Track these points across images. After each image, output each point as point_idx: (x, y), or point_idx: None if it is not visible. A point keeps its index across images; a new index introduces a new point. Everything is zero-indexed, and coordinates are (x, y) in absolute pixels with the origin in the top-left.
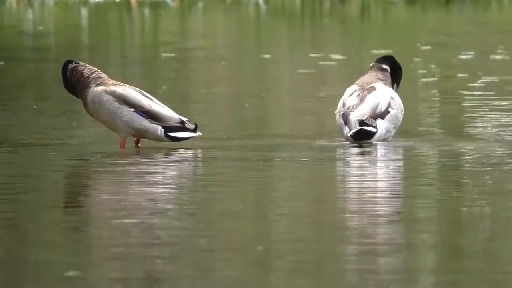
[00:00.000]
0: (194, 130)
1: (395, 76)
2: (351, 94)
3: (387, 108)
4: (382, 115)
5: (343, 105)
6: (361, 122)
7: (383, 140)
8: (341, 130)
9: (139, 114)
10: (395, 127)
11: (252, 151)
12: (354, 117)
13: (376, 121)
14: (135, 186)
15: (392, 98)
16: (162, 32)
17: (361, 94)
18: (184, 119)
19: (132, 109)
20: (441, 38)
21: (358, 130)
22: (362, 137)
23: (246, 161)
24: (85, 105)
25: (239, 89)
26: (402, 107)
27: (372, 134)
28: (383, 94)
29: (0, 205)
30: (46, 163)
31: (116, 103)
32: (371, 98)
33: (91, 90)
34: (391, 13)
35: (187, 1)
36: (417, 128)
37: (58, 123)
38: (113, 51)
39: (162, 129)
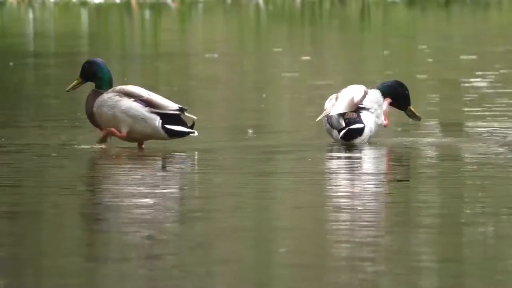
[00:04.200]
0: (191, 127)
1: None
2: (329, 100)
3: (363, 96)
4: (361, 102)
5: (324, 110)
6: (345, 119)
7: (378, 123)
8: (330, 134)
9: (138, 103)
10: (379, 104)
11: (252, 152)
12: (334, 113)
13: (358, 114)
14: (135, 189)
15: (365, 89)
16: (163, 33)
17: (337, 96)
18: (184, 107)
19: (132, 99)
20: (441, 39)
21: (346, 131)
22: (353, 135)
23: (246, 162)
24: (91, 116)
25: (239, 90)
26: (380, 96)
27: (361, 130)
28: (356, 87)
29: (0, 205)
30: (47, 163)
31: (117, 96)
32: (344, 93)
33: (95, 103)
34: (391, 14)
35: (187, 2)
36: (417, 129)
37: (60, 123)
38: (113, 52)
39: (160, 121)
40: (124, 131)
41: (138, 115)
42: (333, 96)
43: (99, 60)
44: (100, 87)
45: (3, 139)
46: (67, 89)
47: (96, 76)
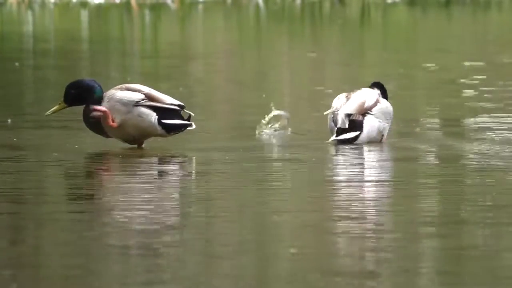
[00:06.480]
0: (188, 119)
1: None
2: (338, 98)
3: (375, 103)
4: (371, 108)
5: (332, 108)
6: (349, 120)
7: (380, 133)
8: (332, 132)
9: (136, 93)
10: (387, 120)
11: (253, 153)
12: (341, 112)
13: (364, 117)
14: (134, 193)
15: (379, 95)
16: (163, 33)
17: (348, 95)
18: (182, 104)
19: (131, 91)
20: (441, 39)
21: (340, 139)
22: (347, 142)
23: (247, 164)
24: (90, 124)
25: (239, 90)
26: (391, 107)
27: (356, 138)
28: (370, 92)
29: (1, 205)
30: (47, 163)
31: (118, 90)
32: (357, 95)
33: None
34: (391, 14)
35: (187, 2)
36: (417, 129)
37: (61, 124)
38: (113, 52)
39: (156, 116)
40: (117, 121)
41: (128, 100)
42: (342, 95)
43: (86, 80)
44: (95, 101)
45: (15, 139)
46: (47, 113)
47: (88, 97)
